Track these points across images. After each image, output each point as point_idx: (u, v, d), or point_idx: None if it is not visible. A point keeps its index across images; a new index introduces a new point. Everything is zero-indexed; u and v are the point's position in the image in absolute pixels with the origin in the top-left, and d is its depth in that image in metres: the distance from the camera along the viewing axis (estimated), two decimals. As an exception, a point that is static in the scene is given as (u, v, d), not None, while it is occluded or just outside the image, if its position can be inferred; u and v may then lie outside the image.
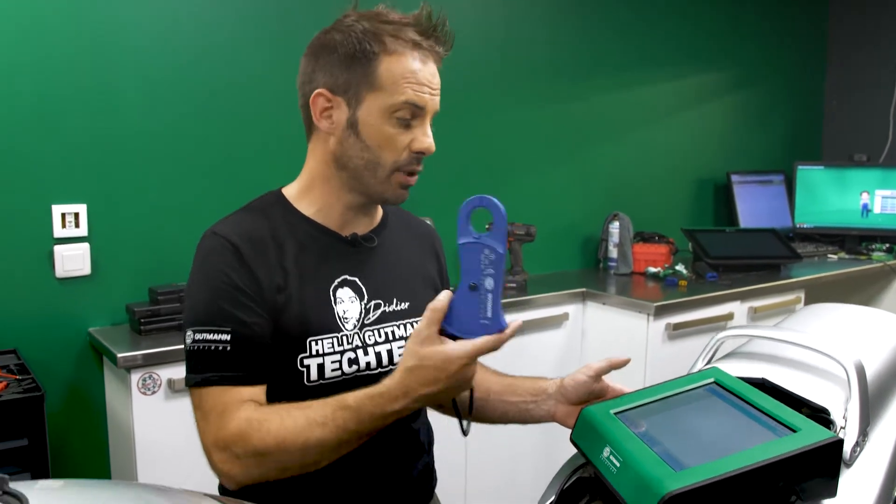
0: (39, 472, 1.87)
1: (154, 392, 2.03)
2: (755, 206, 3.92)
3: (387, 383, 1.11)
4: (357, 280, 1.29)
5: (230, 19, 2.47)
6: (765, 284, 3.07)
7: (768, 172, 4.04)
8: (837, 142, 4.35)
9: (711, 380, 1.29)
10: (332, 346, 1.23)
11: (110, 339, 2.15)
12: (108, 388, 2.28)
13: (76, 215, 2.24)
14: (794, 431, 1.09)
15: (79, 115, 2.22)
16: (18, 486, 0.72)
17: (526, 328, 2.72)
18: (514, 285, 2.86)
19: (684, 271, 3.14)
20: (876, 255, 3.73)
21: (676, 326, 2.75)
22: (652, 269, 3.21)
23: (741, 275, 3.19)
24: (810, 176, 3.96)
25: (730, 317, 2.91)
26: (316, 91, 1.23)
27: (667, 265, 3.23)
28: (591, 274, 3.33)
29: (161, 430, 2.03)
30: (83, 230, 2.26)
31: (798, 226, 3.95)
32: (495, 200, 1.10)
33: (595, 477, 1.22)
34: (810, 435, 1.06)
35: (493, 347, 1.10)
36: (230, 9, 2.47)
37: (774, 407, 1.16)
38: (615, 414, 1.26)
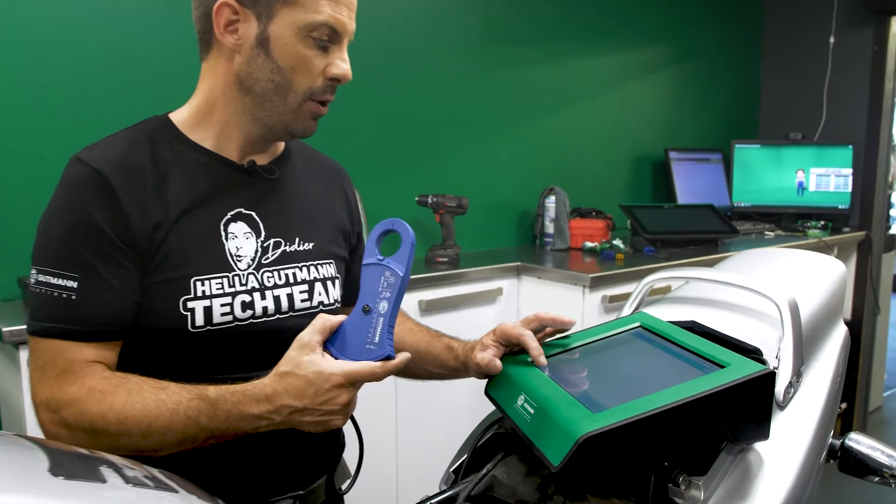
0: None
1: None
2: (693, 183, 3.89)
3: (254, 381, 1.01)
4: (254, 214, 1.16)
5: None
6: (701, 258, 3.02)
7: (706, 150, 4.02)
8: (774, 120, 4.34)
9: (637, 324, 1.20)
10: (222, 288, 1.10)
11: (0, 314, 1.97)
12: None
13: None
14: (722, 367, 0.99)
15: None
16: None
17: (458, 304, 2.63)
18: (445, 259, 2.75)
19: (622, 246, 3.07)
20: (811, 231, 3.74)
21: (613, 299, 2.68)
22: (589, 244, 3.14)
23: (679, 249, 3.15)
24: (747, 154, 3.95)
25: (667, 290, 2.84)
26: (220, 1, 1.08)
27: (604, 240, 3.16)
28: (527, 250, 3.25)
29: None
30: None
31: (736, 204, 3.93)
32: (405, 224, 1.04)
33: (512, 431, 1.11)
34: (739, 369, 0.97)
35: (375, 376, 1.00)
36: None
37: (702, 345, 1.06)
38: (533, 362, 1.16)
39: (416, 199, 2.81)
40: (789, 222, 3.85)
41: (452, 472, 1.17)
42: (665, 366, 1.06)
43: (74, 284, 1.02)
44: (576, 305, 2.66)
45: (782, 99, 4.31)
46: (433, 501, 1.08)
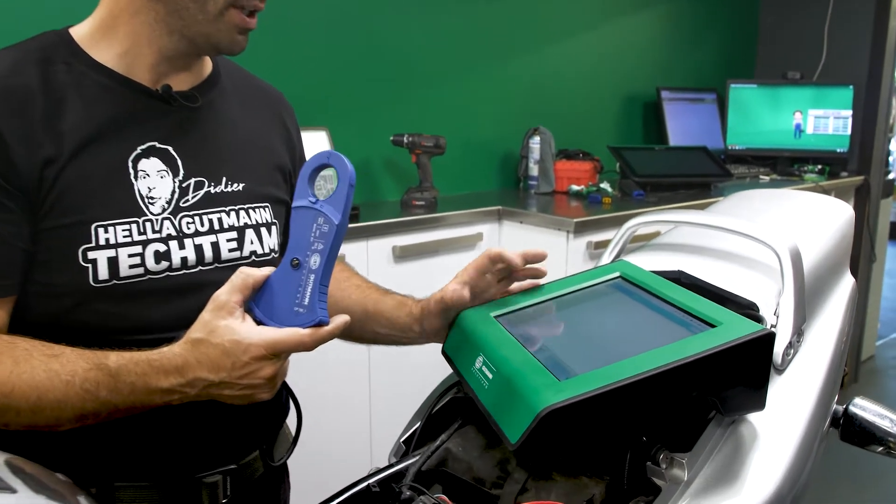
0: None
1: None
2: (686, 125, 3.72)
3: (163, 350, 0.86)
4: (170, 149, 0.99)
5: None
6: (693, 203, 2.87)
7: (700, 90, 3.85)
8: (771, 59, 4.17)
9: (617, 274, 1.05)
10: (130, 235, 0.94)
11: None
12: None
13: None
14: (712, 326, 0.84)
15: None
16: None
17: (434, 250, 2.48)
18: (422, 203, 2.60)
19: (609, 189, 2.93)
20: (808, 176, 3.60)
21: (598, 245, 2.53)
22: (575, 188, 2.99)
23: (669, 193, 3.00)
24: (743, 95, 3.78)
25: (656, 235, 2.70)
26: None
27: (591, 183, 3.01)
28: (509, 193, 3.10)
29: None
30: None
31: (730, 147, 3.79)
32: (343, 158, 0.85)
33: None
34: (732, 329, 0.82)
35: (304, 346, 0.85)
36: None
37: (690, 300, 0.91)
38: (496, 318, 1.01)
39: (391, 138, 2.65)
40: (785, 166, 3.71)
41: (403, 442, 1.03)
42: (647, 324, 0.91)
43: None
44: (559, 252, 2.52)
45: (781, 36, 4.12)
46: (380, 477, 0.95)
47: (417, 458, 0.95)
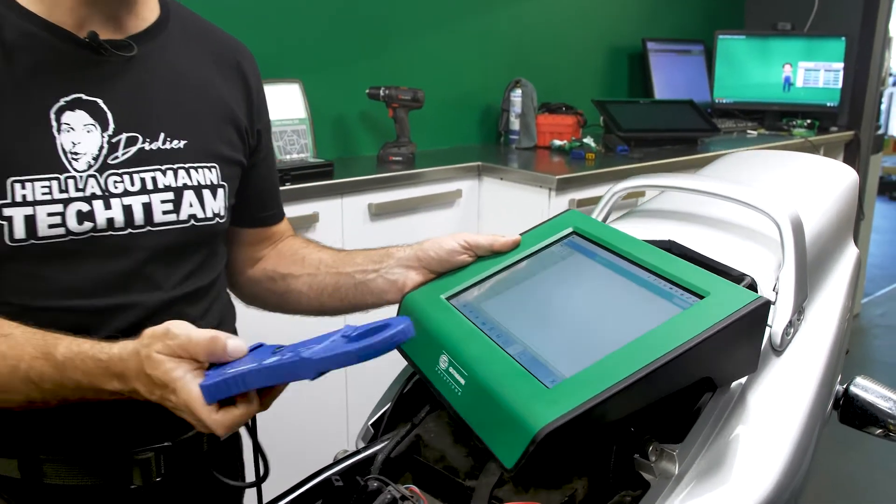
0: None
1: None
2: (672, 77, 3.62)
3: (112, 351, 0.80)
4: (99, 102, 0.91)
5: None
6: (679, 159, 2.80)
7: (687, 42, 3.74)
8: (761, 9, 4.06)
9: (569, 230, 0.96)
10: (50, 192, 0.88)
11: None
12: None
13: None
14: (700, 297, 0.76)
15: None
16: None
17: (412, 207, 2.40)
18: (399, 158, 2.51)
19: (593, 144, 2.85)
20: (797, 131, 3.52)
21: (581, 203, 2.46)
22: (557, 143, 2.91)
23: (655, 149, 2.93)
24: (731, 46, 3.68)
25: (641, 194, 2.62)
26: None
27: (574, 138, 2.93)
28: (490, 148, 3.01)
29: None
30: None
31: (717, 100, 3.70)
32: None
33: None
34: (725, 301, 0.74)
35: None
36: None
37: (664, 262, 0.83)
38: (448, 300, 0.91)
39: (367, 91, 2.54)
40: (773, 120, 3.63)
41: (371, 425, 0.95)
42: (624, 298, 0.82)
43: None
44: (541, 210, 2.45)
45: (771, -15, 4.01)
46: (349, 463, 0.88)
47: (386, 443, 0.88)
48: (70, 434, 0.93)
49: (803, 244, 0.90)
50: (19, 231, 0.86)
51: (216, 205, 0.99)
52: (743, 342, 0.76)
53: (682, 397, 0.79)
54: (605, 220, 1.11)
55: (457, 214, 2.55)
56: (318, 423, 2.25)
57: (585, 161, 2.70)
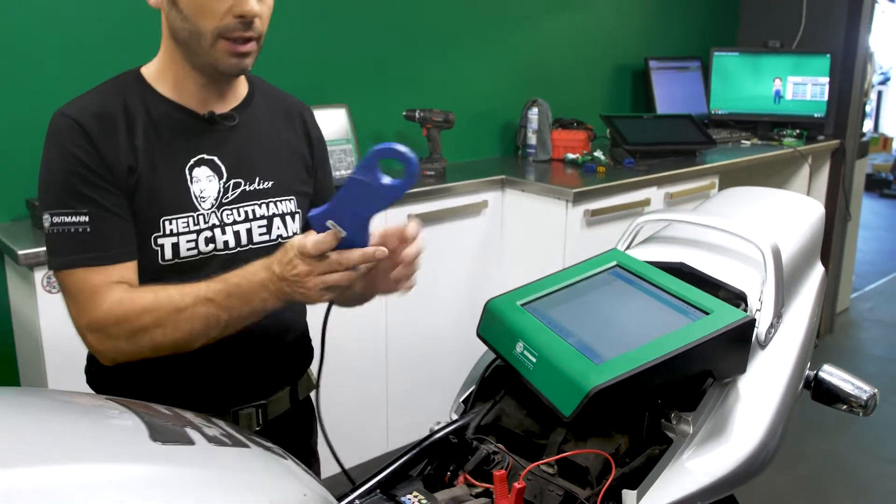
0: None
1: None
2: (672, 92, 3.90)
3: (255, 261, 1.13)
4: (215, 159, 1.27)
5: None
6: (681, 170, 3.08)
7: (686, 59, 4.01)
8: (753, 28, 4.32)
9: (614, 263, 1.28)
10: (188, 226, 1.24)
11: (11, 236, 2.01)
12: (11, 288, 2.15)
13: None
14: (706, 314, 1.08)
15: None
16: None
17: (444, 217, 2.68)
18: (432, 173, 2.80)
19: (602, 157, 3.12)
20: (787, 140, 3.79)
21: (595, 213, 2.75)
22: (570, 156, 3.18)
23: (658, 161, 3.19)
24: (726, 62, 3.95)
25: (647, 202, 2.93)
26: None
27: (585, 151, 3.20)
28: (509, 161, 3.29)
29: (70, 327, 1.93)
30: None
31: (713, 112, 3.96)
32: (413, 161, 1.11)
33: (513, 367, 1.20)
34: (723, 316, 1.06)
35: (326, 244, 1.04)
36: None
37: (681, 288, 1.15)
38: (523, 306, 1.23)
39: (404, 113, 2.83)
40: (765, 130, 3.89)
41: (462, 402, 1.27)
42: (652, 311, 1.14)
43: (86, 219, 1.16)
44: (559, 219, 2.73)
45: (762, 6, 4.28)
46: (447, 430, 1.18)
47: (476, 414, 1.19)
48: (187, 395, 1.21)
49: (781, 266, 1.22)
50: (168, 254, 1.22)
51: (294, 226, 1.35)
52: (735, 347, 1.07)
53: (693, 381, 1.11)
54: (628, 246, 1.43)
55: (483, 222, 2.84)
56: (360, 415, 2.56)
57: (597, 173, 2.97)
